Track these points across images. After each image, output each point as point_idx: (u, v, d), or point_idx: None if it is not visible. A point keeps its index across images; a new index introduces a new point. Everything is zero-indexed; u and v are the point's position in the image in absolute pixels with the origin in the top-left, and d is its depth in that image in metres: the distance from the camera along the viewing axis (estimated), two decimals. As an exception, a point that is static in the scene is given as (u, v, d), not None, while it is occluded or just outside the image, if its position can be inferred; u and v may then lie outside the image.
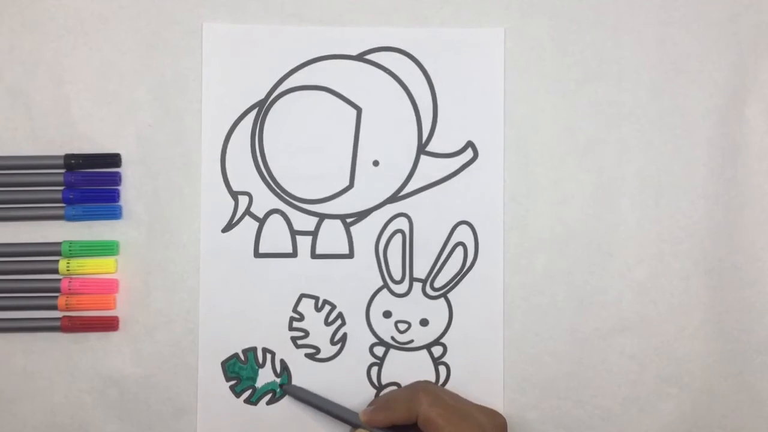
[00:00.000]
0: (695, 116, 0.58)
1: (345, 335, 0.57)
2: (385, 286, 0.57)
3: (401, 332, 0.58)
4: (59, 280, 0.56)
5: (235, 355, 0.57)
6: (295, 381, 0.57)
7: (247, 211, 0.57)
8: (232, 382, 0.57)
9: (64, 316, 0.56)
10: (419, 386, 0.54)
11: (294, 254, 0.57)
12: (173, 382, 0.56)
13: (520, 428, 0.57)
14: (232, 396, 0.57)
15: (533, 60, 0.58)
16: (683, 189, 0.57)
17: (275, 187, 0.57)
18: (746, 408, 0.57)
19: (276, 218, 0.57)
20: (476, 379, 0.56)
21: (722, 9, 0.58)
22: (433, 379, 0.57)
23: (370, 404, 0.54)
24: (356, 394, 0.57)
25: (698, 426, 0.57)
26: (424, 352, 0.57)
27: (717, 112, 0.58)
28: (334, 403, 0.56)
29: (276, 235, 0.57)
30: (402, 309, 0.57)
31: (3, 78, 0.57)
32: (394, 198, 0.58)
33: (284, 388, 0.56)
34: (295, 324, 0.57)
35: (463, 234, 0.57)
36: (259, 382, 0.57)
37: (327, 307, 0.57)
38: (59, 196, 0.56)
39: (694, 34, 0.58)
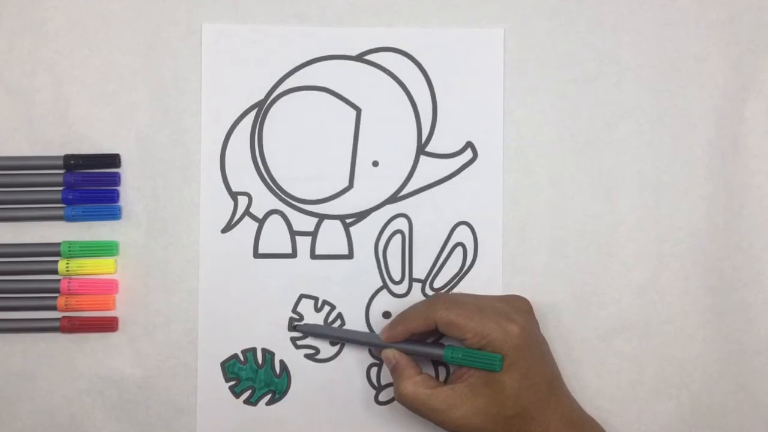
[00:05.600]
0: (695, 116, 0.58)
1: (345, 336, 0.57)
2: (385, 286, 0.57)
3: (401, 333, 0.57)
4: (59, 280, 0.56)
5: (235, 356, 0.57)
6: (294, 382, 0.57)
7: (247, 212, 0.57)
8: (232, 383, 0.57)
9: (64, 317, 0.56)
10: (434, 296, 0.55)
11: (293, 255, 0.57)
12: (172, 383, 0.56)
13: (520, 429, 0.57)
14: (232, 397, 0.57)
15: (533, 60, 0.58)
16: (683, 189, 0.57)
17: (275, 188, 0.57)
18: (746, 408, 0.57)
19: (275, 219, 0.57)
20: (476, 380, 0.56)
21: (722, 9, 0.58)
22: (432, 379, 0.57)
23: (388, 322, 0.55)
24: (356, 395, 0.57)
25: (698, 426, 0.57)
26: (424, 352, 0.57)
27: (717, 112, 0.57)
28: (352, 331, 0.56)
29: (275, 236, 0.57)
30: (402, 309, 0.57)
31: (3, 78, 0.57)
32: (394, 198, 0.57)
33: (298, 327, 0.56)
34: (295, 324, 0.57)
35: (463, 234, 0.57)
36: (259, 383, 0.57)
37: (326, 308, 0.57)
38: (59, 196, 0.56)
39: (694, 34, 0.58)
